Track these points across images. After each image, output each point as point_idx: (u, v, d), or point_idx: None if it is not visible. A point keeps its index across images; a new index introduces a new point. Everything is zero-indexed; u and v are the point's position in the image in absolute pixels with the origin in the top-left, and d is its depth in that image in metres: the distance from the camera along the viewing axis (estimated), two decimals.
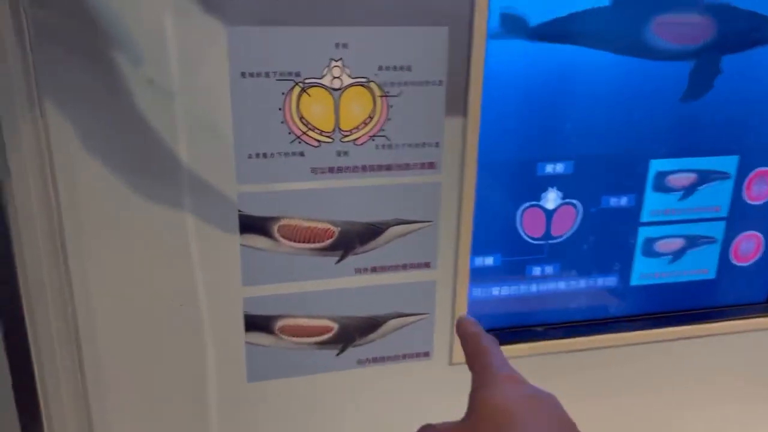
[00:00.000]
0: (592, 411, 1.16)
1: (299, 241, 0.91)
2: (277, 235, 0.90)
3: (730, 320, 1.18)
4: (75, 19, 0.75)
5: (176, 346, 0.92)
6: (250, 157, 0.85)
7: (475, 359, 0.41)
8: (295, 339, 0.97)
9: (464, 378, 1.04)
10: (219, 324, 0.93)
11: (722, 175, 1.10)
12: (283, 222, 0.90)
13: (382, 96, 0.86)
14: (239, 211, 0.88)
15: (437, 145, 0.91)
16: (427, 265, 0.98)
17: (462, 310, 1.01)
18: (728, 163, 1.09)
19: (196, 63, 0.80)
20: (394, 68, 0.86)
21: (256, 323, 0.94)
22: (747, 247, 1.17)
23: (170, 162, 0.83)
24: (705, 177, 1.09)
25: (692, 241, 1.13)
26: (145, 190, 0.83)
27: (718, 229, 1.14)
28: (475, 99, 0.89)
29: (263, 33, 0.80)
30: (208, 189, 0.85)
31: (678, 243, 1.13)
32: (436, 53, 0.86)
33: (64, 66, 0.76)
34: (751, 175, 1.11)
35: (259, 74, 0.82)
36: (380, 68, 0.85)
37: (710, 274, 1.17)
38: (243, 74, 0.81)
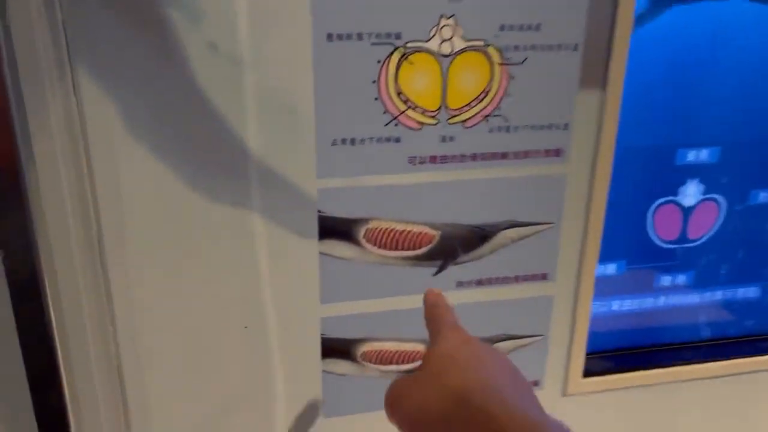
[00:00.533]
0: None
1: (390, 248, 0.73)
2: (363, 240, 0.72)
3: None
4: None
5: (239, 376, 0.75)
6: (334, 143, 0.67)
7: (432, 323, 0.46)
8: (381, 367, 0.79)
9: (580, 412, 0.85)
10: (291, 349, 0.75)
11: None
12: (371, 225, 0.71)
13: (502, 64, 0.67)
14: (319, 211, 0.70)
15: (566, 127, 0.72)
16: (543, 276, 0.79)
17: (583, 330, 0.82)
18: None
19: (271, 22, 0.61)
20: (520, 28, 0.66)
21: (335, 348, 0.77)
22: None
23: (235, 149, 0.65)
24: None
25: None
26: (202, 183, 0.66)
27: None
28: (619, 68, 0.70)
29: None
30: (282, 183, 0.67)
31: None
32: (573, 9, 0.67)
33: (102, 26, 0.58)
34: None
35: (350, 36, 0.63)
36: (502, 28, 0.66)
37: None
38: (329, 36, 0.63)
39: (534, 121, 0.71)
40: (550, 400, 0.86)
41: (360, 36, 0.63)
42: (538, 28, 0.67)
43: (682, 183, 0.84)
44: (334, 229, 0.71)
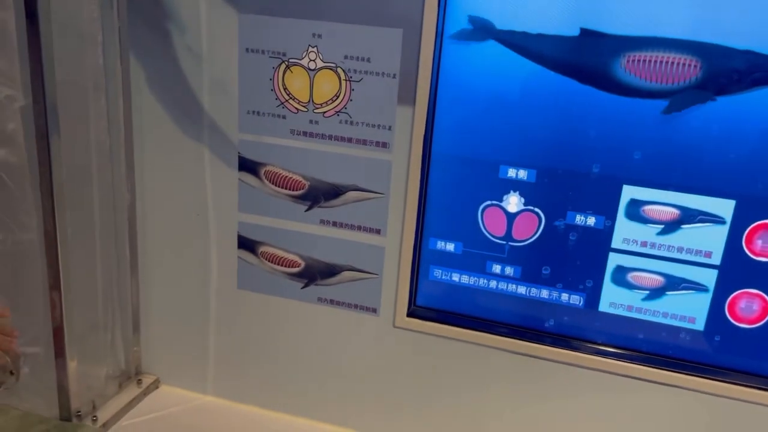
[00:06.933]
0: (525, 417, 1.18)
1: (279, 186, 1.17)
2: (263, 177, 1.17)
3: (713, 380, 1.08)
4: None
5: (191, 247, 1.25)
6: (248, 113, 1.14)
7: None
8: (271, 265, 1.22)
9: (405, 341, 1.18)
10: (221, 236, 1.24)
11: (713, 218, 1.03)
12: (268, 168, 1.17)
13: (346, 80, 1.08)
14: (239, 153, 1.17)
15: (390, 128, 1.08)
16: (378, 231, 1.15)
17: (405, 280, 1.15)
18: (722, 207, 1.02)
19: (217, 38, 1.11)
20: (357, 58, 1.06)
21: (246, 243, 1.23)
22: (748, 307, 1.06)
23: (196, 107, 1.16)
24: (690, 216, 1.04)
25: (674, 283, 1.08)
26: (180, 124, 1.18)
27: (708, 277, 1.06)
28: (423, 93, 1.04)
29: (262, 20, 1.08)
30: (219, 132, 1.17)
31: (656, 280, 1.09)
32: (391, 50, 1.04)
33: (146, 29, 1.14)
34: (753, 226, 1.02)
35: (257, 51, 1.10)
36: (345, 57, 1.06)
37: (698, 324, 1.09)
38: (247, 50, 1.11)
39: (369, 120, 1.09)
40: (383, 327, 1.20)
41: (263, 52, 1.10)
42: (368, 60, 1.06)
43: (506, 192, 1.11)
44: (247, 165, 1.18)
